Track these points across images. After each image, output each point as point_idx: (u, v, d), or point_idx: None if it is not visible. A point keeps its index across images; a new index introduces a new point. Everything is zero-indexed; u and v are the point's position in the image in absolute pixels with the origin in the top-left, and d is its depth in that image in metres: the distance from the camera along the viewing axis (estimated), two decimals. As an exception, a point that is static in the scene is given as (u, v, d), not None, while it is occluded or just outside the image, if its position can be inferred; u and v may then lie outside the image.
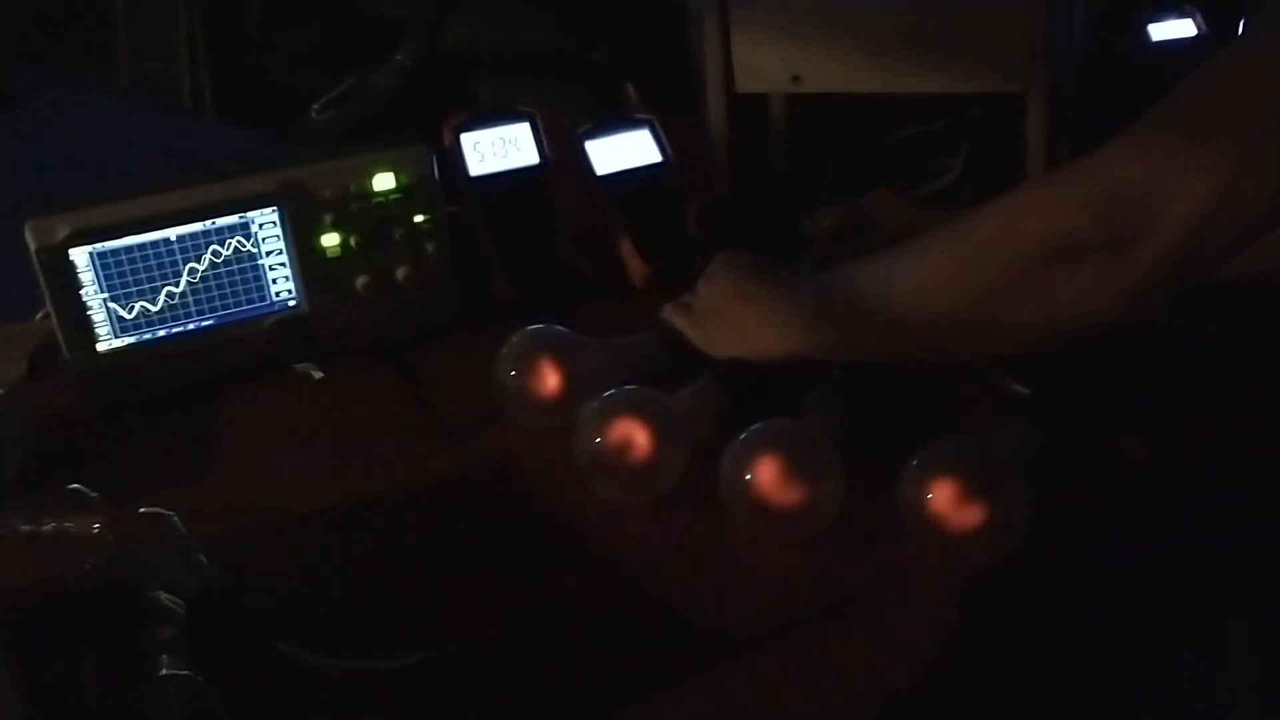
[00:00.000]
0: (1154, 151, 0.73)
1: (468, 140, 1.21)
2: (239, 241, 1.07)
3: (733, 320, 1.00)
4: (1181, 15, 1.54)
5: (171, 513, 0.86)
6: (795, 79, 1.18)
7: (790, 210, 1.31)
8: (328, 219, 1.09)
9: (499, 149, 1.22)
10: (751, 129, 1.34)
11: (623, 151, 1.26)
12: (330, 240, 1.09)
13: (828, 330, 0.93)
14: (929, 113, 1.40)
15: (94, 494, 0.89)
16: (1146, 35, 1.51)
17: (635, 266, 1.21)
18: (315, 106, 1.85)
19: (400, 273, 1.12)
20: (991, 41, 1.13)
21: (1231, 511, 0.97)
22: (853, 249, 1.11)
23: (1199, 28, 1.54)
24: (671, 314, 1.06)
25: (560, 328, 1.03)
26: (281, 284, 1.10)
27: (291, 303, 1.10)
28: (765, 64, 1.19)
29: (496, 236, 1.20)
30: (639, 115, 1.28)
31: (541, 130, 1.24)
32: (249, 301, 1.09)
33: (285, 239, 1.08)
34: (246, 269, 1.08)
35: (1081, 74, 1.37)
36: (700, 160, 1.34)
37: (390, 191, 1.10)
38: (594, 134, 1.26)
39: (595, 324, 1.13)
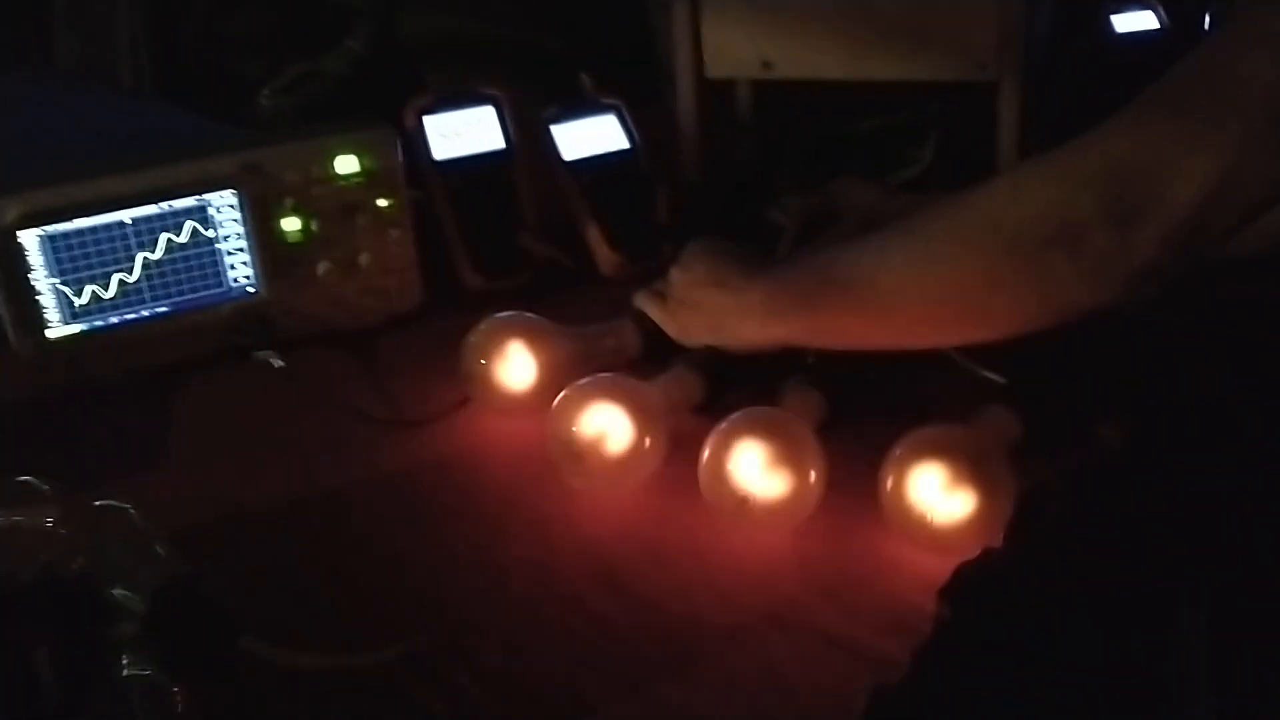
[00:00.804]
0: (1156, 131, 0.71)
1: (431, 123, 1.18)
2: (196, 225, 1.03)
3: (708, 309, 0.98)
4: (1143, 7, 1.54)
5: (129, 505, 0.82)
6: (766, 64, 1.17)
7: (758, 198, 1.29)
8: (288, 203, 1.05)
9: (463, 132, 1.19)
10: (718, 116, 1.32)
11: (590, 137, 1.24)
12: (291, 225, 1.06)
13: (808, 317, 0.91)
14: (896, 103, 1.39)
15: (46, 486, 0.85)
16: (1109, 26, 1.51)
17: (604, 254, 1.19)
18: (265, 92, 1.81)
19: (363, 259, 1.09)
20: (964, 29, 1.12)
21: (1207, 500, 0.96)
22: (825, 237, 1.11)
23: (1160, 20, 1.54)
24: (644, 302, 1.04)
25: (530, 315, 1.00)
26: (240, 270, 1.06)
27: (251, 289, 1.07)
28: (735, 49, 1.17)
29: (462, 222, 1.17)
30: (605, 100, 1.26)
31: (507, 114, 1.21)
32: (206, 288, 1.05)
33: (244, 223, 1.05)
34: (204, 254, 1.04)
35: (1046, 64, 1.36)
36: (667, 147, 1.32)
37: (353, 175, 1.07)
38: (560, 118, 1.24)
39: (564, 313, 1.10)
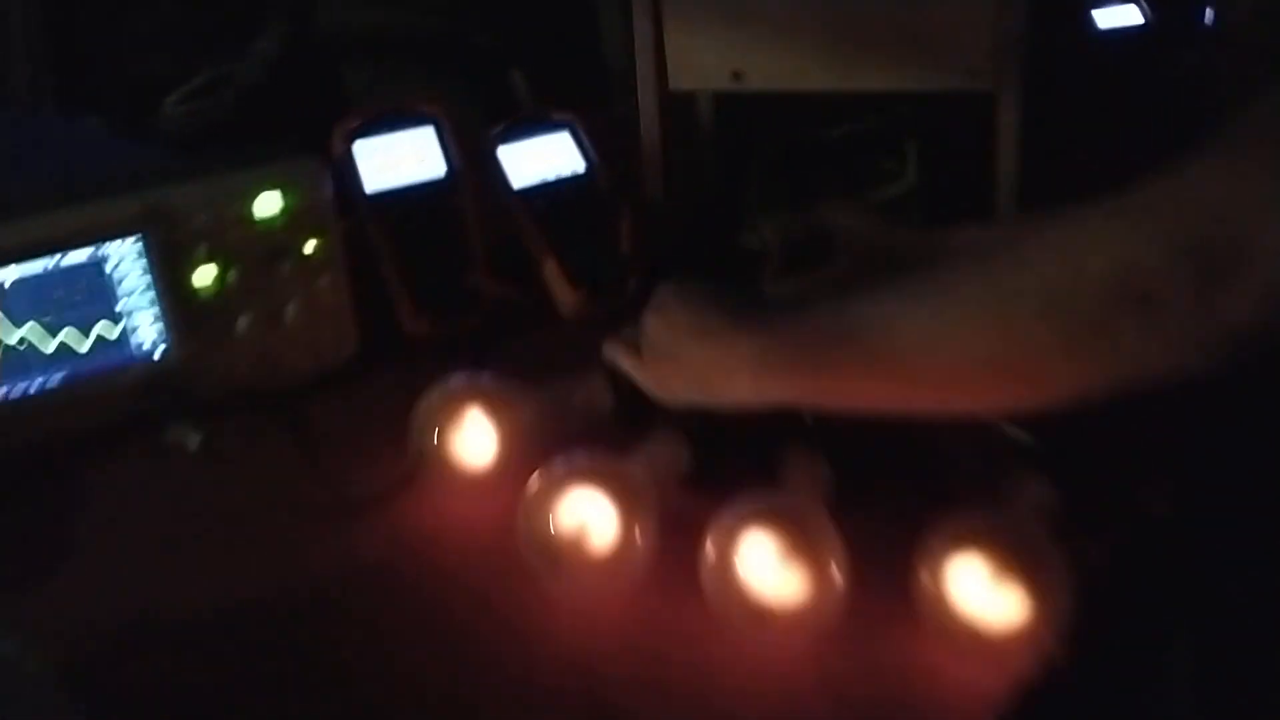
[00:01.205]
0: (1241, 175, 0.60)
1: (362, 150, 1.04)
2: (91, 279, 0.89)
3: (691, 362, 0.85)
4: (1125, 1, 1.44)
5: (9, 639, 0.68)
6: (736, 76, 1.04)
7: (727, 219, 1.17)
8: (201, 250, 0.91)
9: (399, 159, 1.05)
10: (678, 128, 1.20)
11: (541, 159, 1.10)
12: (205, 276, 0.92)
13: (812, 376, 0.79)
14: (862, 108, 1.27)
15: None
16: (1091, 22, 1.40)
17: (563, 292, 1.06)
18: (171, 100, 1.66)
19: (289, 310, 0.95)
20: (956, 34, 1.00)
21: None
22: (814, 269, 0.99)
23: (1145, 15, 1.44)
24: (616, 353, 0.91)
25: (486, 376, 0.87)
26: (145, 330, 0.91)
27: (158, 352, 0.92)
28: (702, 59, 1.04)
29: (401, 262, 1.03)
30: (557, 117, 1.12)
31: (448, 135, 1.07)
32: (105, 353, 0.90)
33: (150, 275, 0.90)
34: (101, 313, 0.90)
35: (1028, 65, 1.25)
36: (624, 162, 1.18)
37: (275, 216, 0.93)
38: (507, 138, 1.10)
39: (521, 361, 0.98)
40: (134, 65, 1.85)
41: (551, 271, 1.06)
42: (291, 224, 0.93)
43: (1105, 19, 1.41)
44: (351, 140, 1.04)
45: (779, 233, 1.02)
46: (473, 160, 1.09)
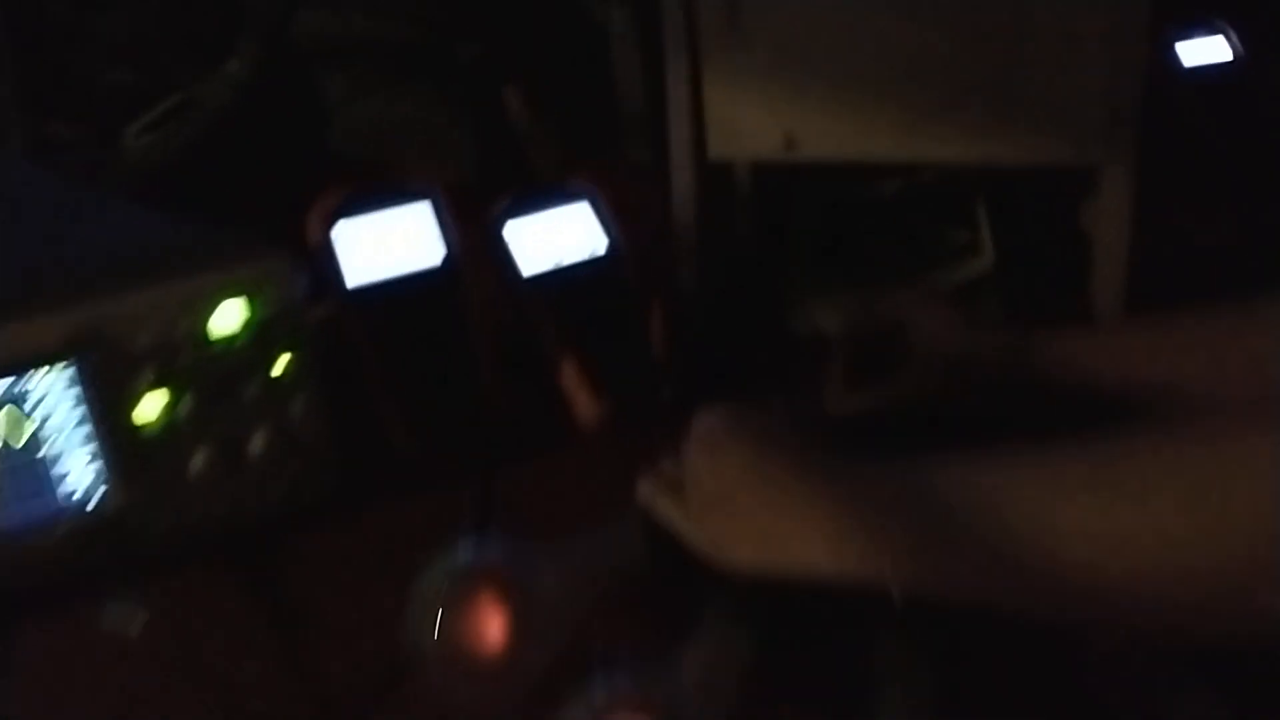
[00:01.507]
0: None
1: (345, 234, 0.87)
2: (9, 416, 0.72)
3: (751, 517, 0.69)
4: (1211, 32, 1.27)
5: None
6: (790, 142, 0.87)
7: (769, 305, 1.00)
8: (145, 377, 0.74)
9: (388, 245, 0.88)
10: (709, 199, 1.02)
11: (556, 238, 0.93)
12: (151, 407, 0.75)
13: (916, 554, 0.62)
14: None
15: None
16: (1176, 60, 1.23)
17: (584, 402, 0.89)
18: (131, 130, 1.49)
19: (255, 443, 0.78)
20: (1061, 101, 0.83)
21: None
22: (889, 379, 0.82)
23: (1234, 48, 1.27)
24: (655, 497, 0.75)
25: (496, 547, 0.70)
26: (78, 474, 0.75)
27: (94, 500, 0.75)
28: (750, 123, 0.87)
29: (390, 369, 0.86)
30: (573, 187, 0.95)
31: (446, 213, 0.90)
32: (29, 502, 0.73)
33: (85, 408, 0.73)
34: (23, 456, 0.73)
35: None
36: (642, 232, 1.01)
37: (237, 331, 0.76)
38: (514, 213, 0.93)
39: (536, 490, 0.81)
40: (101, 72, 1.67)
41: (571, 377, 0.89)
42: (257, 339, 0.77)
43: (1191, 54, 1.24)
44: (331, 223, 0.87)
45: (845, 332, 0.85)
46: (475, 239, 0.92)
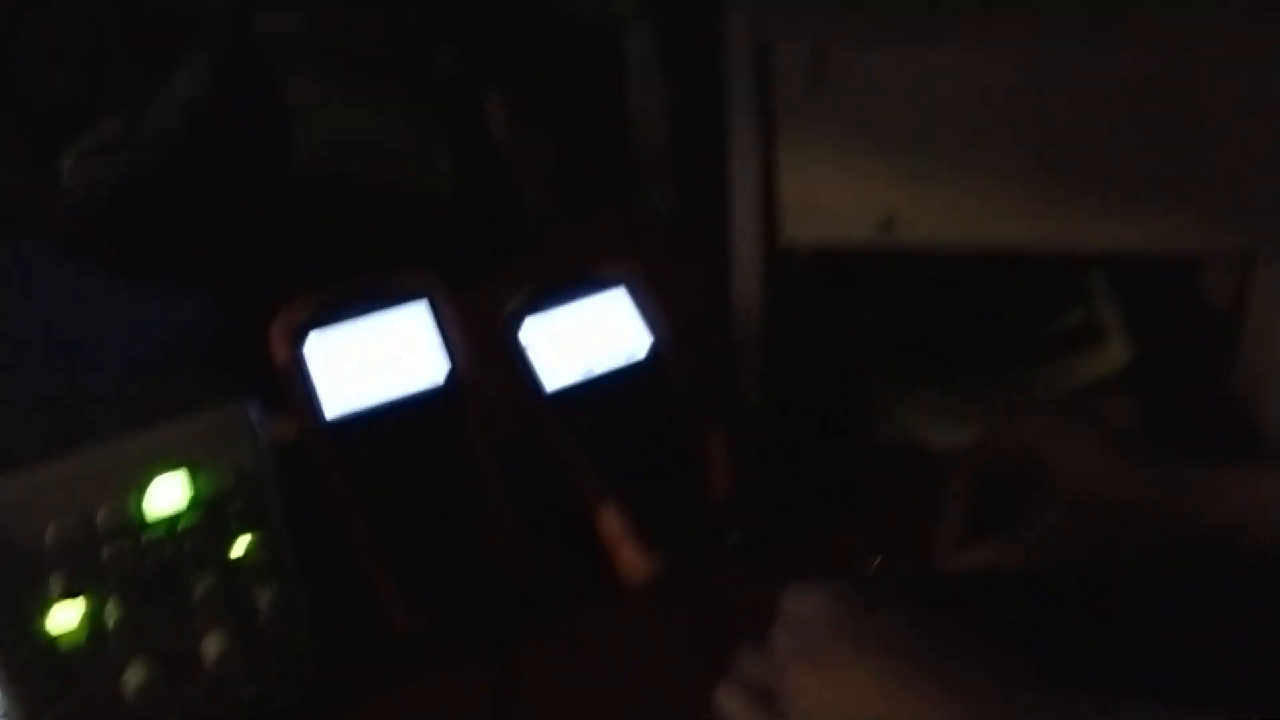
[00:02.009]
0: None
1: (318, 352, 0.68)
2: (-128, 641, 0.53)
3: None
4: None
5: None
6: (887, 225, 0.68)
7: (840, 414, 0.82)
8: (54, 583, 0.55)
9: (374, 361, 0.69)
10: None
11: (585, 342, 0.75)
12: (63, 619, 0.56)
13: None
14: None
15: None
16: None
17: (630, 557, 0.70)
18: (69, 161, 1.29)
19: (211, 648, 0.59)
20: (1221, 189, 0.65)
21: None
22: (1020, 527, 0.64)
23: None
24: (742, 717, 0.57)
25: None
26: (-30, 705, 0.56)
27: (-4, 733, 0.57)
28: (838, 202, 0.68)
29: (384, 527, 0.68)
30: (606, 270, 0.76)
31: (444, 316, 0.71)
32: (-97, 753, 0.55)
33: (-30, 624, 0.54)
34: (-109, 694, 0.54)
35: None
36: (691, 335, 0.82)
37: (180, 512, 0.57)
38: (532, 309, 0.74)
39: (567, 669, 0.63)
40: (38, 81, 1.47)
41: (611, 524, 0.70)
42: (208, 519, 0.58)
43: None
44: (301, 338, 0.68)
45: (963, 465, 0.67)
46: (484, 348, 0.73)
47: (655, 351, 0.75)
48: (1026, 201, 0.67)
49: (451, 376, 0.70)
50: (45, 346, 0.93)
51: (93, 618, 0.56)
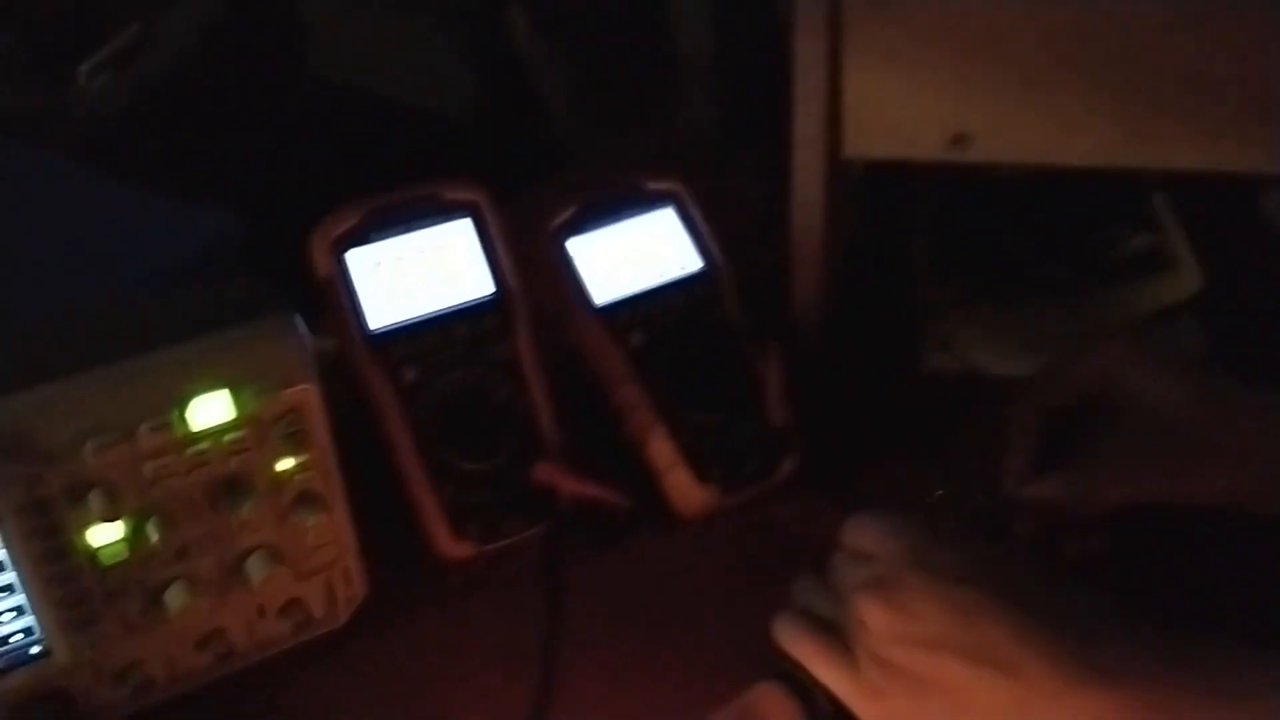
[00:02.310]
0: None
1: (360, 264, 0.65)
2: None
3: (956, 687, 0.50)
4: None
5: None
6: (958, 141, 0.65)
7: (898, 337, 0.79)
8: (95, 500, 0.52)
9: (419, 275, 0.66)
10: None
11: (633, 260, 0.72)
12: (104, 535, 0.53)
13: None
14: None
15: None
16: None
17: (680, 483, 0.68)
18: (83, 69, 1.25)
19: (254, 568, 0.57)
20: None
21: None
22: (1093, 459, 0.62)
23: None
24: (806, 650, 0.55)
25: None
26: (12, 622, 0.54)
27: (32, 651, 0.55)
28: (907, 115, 0.65)
29: (429, 447, 0.65)
30: (653, 187, 0.73)
31: (491, 229, 0.68)
32: (-62, 672, 0.53)
33: (7, 542, 0.52)
34: (-75, 612, 0.52)
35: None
36: (743, 253, 0.78)
37: (222, 426, 0.54)
38: (581, 228, 0.71)
39: (620, 607, 0.61)
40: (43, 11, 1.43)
41: (659, 448, 0.68)
42: (253, 435, 0.55)
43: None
44: (343, 251, 0.65)
45: (1036, 397, 0.64)
46: (534, 261, 0.70)
47: (706, 270, 0.72)
48: (1100, 120, 0.63)
49: (498, 290, 0.67)
50: (69, 257, 0.90)
51: (134, 537, 0.54)
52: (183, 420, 0.53)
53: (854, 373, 0.75)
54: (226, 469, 0.55)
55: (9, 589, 0.53)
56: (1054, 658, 0.48)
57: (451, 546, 0.64)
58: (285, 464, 0.56)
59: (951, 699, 0.50)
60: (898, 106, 0.65)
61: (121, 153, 1.19)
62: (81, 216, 0.95)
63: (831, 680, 0.53)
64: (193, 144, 1.19)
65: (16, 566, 0.53)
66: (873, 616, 0.52)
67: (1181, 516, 0.60)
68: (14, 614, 0.54)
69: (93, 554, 0.53)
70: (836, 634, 0.54)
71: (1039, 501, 0.62)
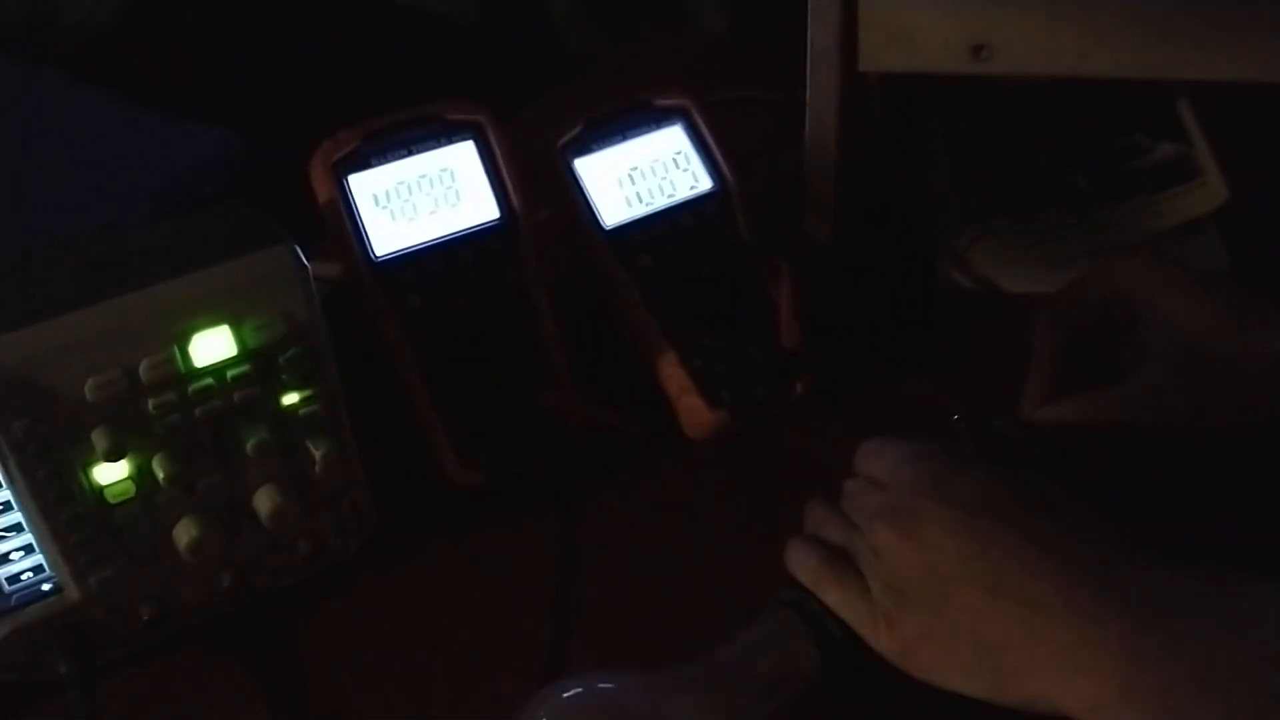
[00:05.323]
0: None
1: (363, 188, 0.64)
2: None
3: (969, 615, 0.50)
4: None
5: None
6: (978, 50, 0.63)
7: (915, 255, 0.78)
8: (97, 439, 0.51)
9: (422, 199, 0.65)
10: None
11: (642, 178, 0.70)
12: (109, 474, 0.53)
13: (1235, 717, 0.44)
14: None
15: None
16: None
17: (692, 408, 0.67)
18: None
19: (264, 503, 0.56)
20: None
21: None
22: (1113, 384, 0.61)
23: None
24: (817, 576, 0.54)
25: (610, 685, 0.50)
26: (20, 561, 0.54)
27: (44, 588, 0.54)
28: (926, 25, 0.63)
29: (437, 375, 0.64)
30: (661, 102, 0.71)
31: (496, 150, 0.66)
32: (-52, 611, 0.53)
33: (12, 482, 0.51)
34: (-69, 553, 0.51)
35: None
36: (756, 169, 0.76)
37: (226, 362, 0.53)
38: (587, 147, 0.69)
39: (632, 533, 0.61)
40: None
41: (670, 370, 0.67)
42: (257, 369, 0.54)
43: None
44: (344, 175, 0.63)
45: (1056, 316, 0.63)
46: (542, 179, 0.68)
47: (716, 190, 0.70)
48: (1125, 29, 0.61)
49: (504, 213, 0.66)
50: (64, 178, 0.88)
51: (140, 474, 0.53)
52: (184, 357, 0.52)
53: (869, 293, 0.73)
54: (231, 404, 0.54)
55: (17, 528, 0.53)
56: (1068, 590, 0.47)
57: (461, 475, 0.64)
58: (291, 398, 0.55)
59: (965, 627, 0.49)
60: (915, 17, 0.62)
61: (114, 66, 1.16)
62: (74, 134, 0.93)
63: (843, 608, 0.53)
64: (187, 58, 1.16)
65: (22, 506, 0.52)
66: (887, 545, 0.52)
67: (1202, 441, 0.59)
68: (22, 553, 0.54)
69: (99, 492, 0.53)
70: (849, 561, 0.54)
71: (1059, 425, 0.61)
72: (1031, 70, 0.64)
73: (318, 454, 0.57)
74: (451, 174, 0.65)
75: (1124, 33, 0.62)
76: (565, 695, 0.48)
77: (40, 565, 0.54)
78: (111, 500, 0.53)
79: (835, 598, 0.53)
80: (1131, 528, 0.51)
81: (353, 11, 1.23)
